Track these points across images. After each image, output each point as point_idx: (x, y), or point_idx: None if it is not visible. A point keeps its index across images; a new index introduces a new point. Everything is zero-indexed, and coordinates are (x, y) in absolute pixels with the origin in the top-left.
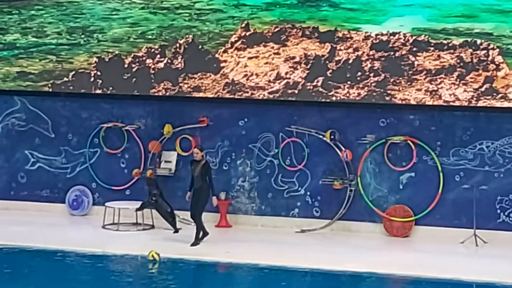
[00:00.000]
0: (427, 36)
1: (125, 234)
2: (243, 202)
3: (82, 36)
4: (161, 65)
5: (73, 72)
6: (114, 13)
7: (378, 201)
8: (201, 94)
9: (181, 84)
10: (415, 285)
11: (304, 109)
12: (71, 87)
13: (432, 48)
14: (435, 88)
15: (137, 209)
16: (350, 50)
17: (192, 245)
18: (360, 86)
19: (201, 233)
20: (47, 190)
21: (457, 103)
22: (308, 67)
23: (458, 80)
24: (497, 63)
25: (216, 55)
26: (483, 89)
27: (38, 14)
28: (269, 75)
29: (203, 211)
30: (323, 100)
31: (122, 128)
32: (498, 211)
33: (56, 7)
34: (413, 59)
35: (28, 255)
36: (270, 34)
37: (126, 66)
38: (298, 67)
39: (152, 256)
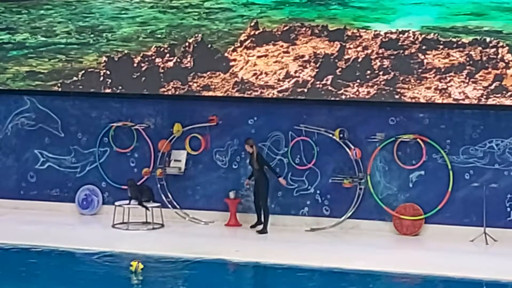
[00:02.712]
0: (436, 34)
1: (135, 233)
2: (252, 201)
3: (91, 35)
4: (171, 64)
5: (83, 72)
6: (123, 12)
7: (387, 199)
8: (210, 93)
9: (190, 83)
10: (425, 283)
11: (314, 108)
12: (80, 87)
13: (441, 46)
14: (445, 86)
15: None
16: (360, 48)
17: (260, 232)
18: (370, 84)
19: (265, 220)
20: (56, 189)
21: (466, 101)
22: (317, 65)
23: (468, 78)
24: (506, 61)
25: (225, 54)
26: (492, 87)
27: (47, 14)
28: (279, 74)
29: (267, 197)
30: (332, 98)
31: (132, 127)
32: (508, 209)
33: (65, 7)
34: (422, 57)
35: (38, 255)
36: (279, 32)
37: (135, 65)
38: (308, 65)
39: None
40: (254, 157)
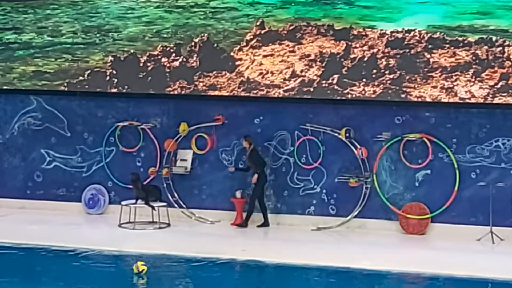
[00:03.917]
0: (442, 33)
1: (141, 233)
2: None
3: (98, 35)
4: (177, 63)
5: (89, 71)
6: (129, 12)
7: (394, 198)
8: (216, 93)
9: (196, 83)
10: (431, 282)
11: (320, 107)
12: (86, 86)
13: (447, 45)
14: (451, 85)
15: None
16: (365, 47)
17: (240, 226)
18: (376, 83)
19: (248, 216)
20: (63, 189)
21: (472, 100)
22: (323, 64)
23: (474, 77)
24: None
25: (231, 54)
26: (498, 86)
27: (54, 13)
28: (284, 73)
29: (257, 196)
30: (338, 97)
31: (138, 127)
32: None
33: (71, 6)
34: (428, 56)
35: (44, 254)
36: (285, 32)
37: (141, 64)
38: (313, 65)
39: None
40: (247, 154)
